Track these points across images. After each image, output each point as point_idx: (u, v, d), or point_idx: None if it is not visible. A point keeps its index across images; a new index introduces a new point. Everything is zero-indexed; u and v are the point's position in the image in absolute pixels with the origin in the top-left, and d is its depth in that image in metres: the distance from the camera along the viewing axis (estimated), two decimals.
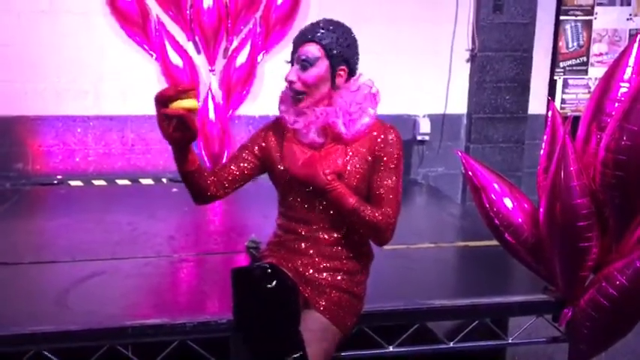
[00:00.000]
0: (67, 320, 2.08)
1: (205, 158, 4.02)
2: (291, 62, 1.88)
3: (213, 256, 2.77)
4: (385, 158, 1.89)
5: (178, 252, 2.79)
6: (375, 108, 1.91)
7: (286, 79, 1.86)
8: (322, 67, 1.84)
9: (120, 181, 4.05)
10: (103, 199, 3.78)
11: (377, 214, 1.87)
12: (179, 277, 2.60)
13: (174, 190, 3.87)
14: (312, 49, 1.84)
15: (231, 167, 1.97)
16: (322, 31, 1.85)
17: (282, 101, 1.95)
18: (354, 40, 1.90)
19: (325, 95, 1.88)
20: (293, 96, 1.88)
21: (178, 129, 1.71)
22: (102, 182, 4.03)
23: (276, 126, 2.00)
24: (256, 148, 1.99)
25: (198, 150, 3.94)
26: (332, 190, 1.85)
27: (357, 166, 1.90)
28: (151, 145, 4.09)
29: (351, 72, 1.90)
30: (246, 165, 1.97)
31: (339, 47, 1.85)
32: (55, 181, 3.99)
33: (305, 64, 1.83)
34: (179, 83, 1.76)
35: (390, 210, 1.88)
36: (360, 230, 1.92)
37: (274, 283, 1.76)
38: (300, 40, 1.86)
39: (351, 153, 1.90)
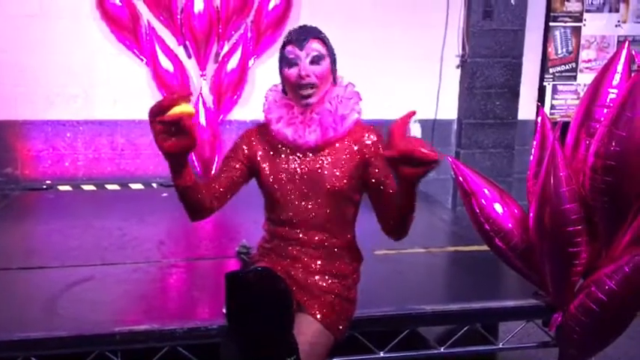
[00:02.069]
0: (56, 326, 2.06)
1: (196, 163, 4.01)
2: (289, 63, 1.89)
3: (203, 261, 2.76)
4: (377, 152, 1.92)
5: (168, 257, 2.77)
6: (359, 105, 1.96)
7: (301, 75, 1.86)
8: (326, 62, 1.91)
9: (109, 186, 4.03)
10: (92, 204, 3.76)
11: None
12: (169, 283, 2.59)
13: (164, 195, 3.85)
14: (318, 46, 1.89)
15: (223, 177, 1.97)
16: (319, 31, 1.92)
17: (272, 103, 1.96)
18: None
19: (327, 91, 1.92)
20: (300, 92, 1.88)
21: (175, 136, 1.68)
22: (91, 187, 4.01)
23: (257, 132, 2.01)
24: (241, 154, 1.99)
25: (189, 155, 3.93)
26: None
27: (347, 165, 1.92)
28: (140, 149, 4.08)
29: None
30: (235, 173, 1.97)
31: (332, 48, 1.94)
32: (44, 186, 3.96)
33: (316, 58, 1.88)
34: (173, 92, 1.74)
35: None
36: (398, 223, 1.91)
37: (268, 287, 1.76)
38: (304, 38, 1.88)
39: (342, 155, 1.93)
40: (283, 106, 1.93)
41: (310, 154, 1.94)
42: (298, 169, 1.94)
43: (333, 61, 1.94)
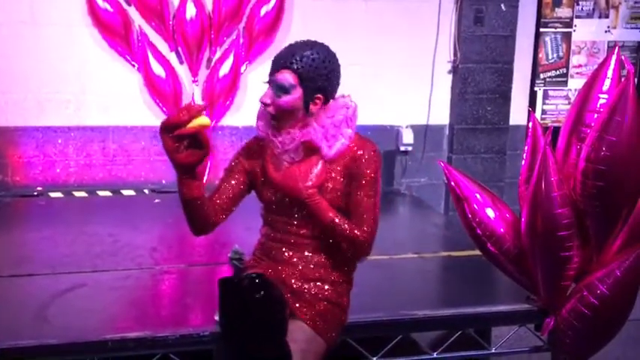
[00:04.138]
0: (47, 334, 2.04)
1: None
2: (269, 82, 1.87)
3: (195, 267, 2.75)
4: (362, 175, 1.88)
5: (160, 264, 2.76)
6: (352, 128, 1.91)
7: (260, 101, 1.87)
8: (296, 95, 1.83)
9: (101, 193, 4.01)
10: (83, 210, 3.74)
11: (356, 230, 1.88)
12: (161, 289, 2.58)
13: (157, 201, 3.84)
14: (288, 77, 1.82)
15: (225, 190, 1.97)
16: (300, 58, 1.82)
17: (259, 117, 1.96)
18: (335, 66, 1.88)
19: (299, 120, 1.88)
20: (269, 117, 1.89)
21: (190, 149, 1.71)
22: (83, 193, 3.99)
23: (256, 143, 2.00)
24: (240, 166, 1.99)
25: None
26: (312, 202, 1.87)
27: (335, 184, 1.90)
28: (132, 155, 4.06)
29: (328, 98, 1.89)
30: (236, 184, 1.97)
31: (317, 76, 1.83)
32: (36, 193, 3.93)
33: (279, 91, 1.83)
34: (189, 106, 1.75)
35: (367, 227, 1.89)
36: (339, 243, 1.93)
37: (262, 293, 1.75)
38: (278, 65, 1.84)
39: (333, 172, 1.90)
40: (269, 125, 1.93)
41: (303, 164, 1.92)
42: None
43: (318, 90, 1.84)
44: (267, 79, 1.89)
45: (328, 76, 1.85)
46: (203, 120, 1.69)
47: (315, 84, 1.83)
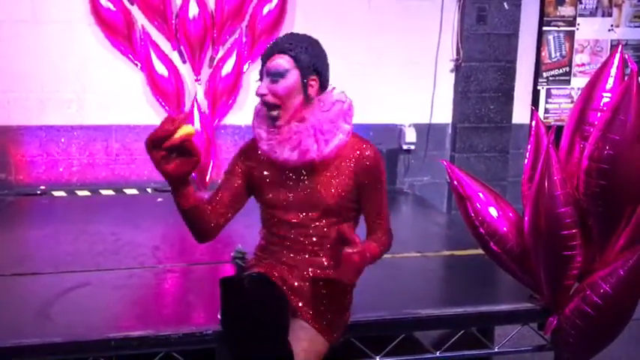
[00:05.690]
0: (50, 332, 2.05)
1: None
2: (260, 77, 1.87)
3: (198, 266, 2.76)
4: (373, 179, 1.90)
5: (163, 262, 2.76)
6: (349, 123, 1.89)
7: (257, 94, 1.85)
8: (292, 77, 1.83)
9: (104, 192, 4.01)
10: (86, 209, 3.75)
11: (386, 243, 2.00)
12: (164, 288, 2.58)
13: (159, 200, 3.84)
14: (281, 61, 1.82)
15: (224, 193, 1.95)
16: (290, 42, 1.84)
17: (256, 116, 1.95)
18: (323, 51, 1.90)
19: (298, 108, 1.85)
20: (268, 112, 1.86)
21: (178, 158, 1.70)
22: (86, 192, 3.99)
23: (253, 145, 1.98)
24: (238, 169, 1.98)
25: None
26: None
27: (342, 185, 1.89)
28: (135, 154, 4.06)
29: (322, 83, 1.89)
30: (236, 187, 1.96)
31: (308, 57, 1.84)
32: (39, 192, 3.94)
33: (275, 77, 1.82)
34: (171, 118, 1.75)
35: (389, 228, 2.01)
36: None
37: (263, 292, 1.75)
38: (268, 54, 1.85)
39: (335, 173, 1.89)
40: (264, 123, 1.92)
41: (304, 171, 1.91)
42: (292, 185, 1.92)
43: (313, 71, 1.84)
44: (257, 79, 1.89)
45: (319, 55, 1.87)
46: (188, 128, 1.68)
47: (309, 64, 1.83)
